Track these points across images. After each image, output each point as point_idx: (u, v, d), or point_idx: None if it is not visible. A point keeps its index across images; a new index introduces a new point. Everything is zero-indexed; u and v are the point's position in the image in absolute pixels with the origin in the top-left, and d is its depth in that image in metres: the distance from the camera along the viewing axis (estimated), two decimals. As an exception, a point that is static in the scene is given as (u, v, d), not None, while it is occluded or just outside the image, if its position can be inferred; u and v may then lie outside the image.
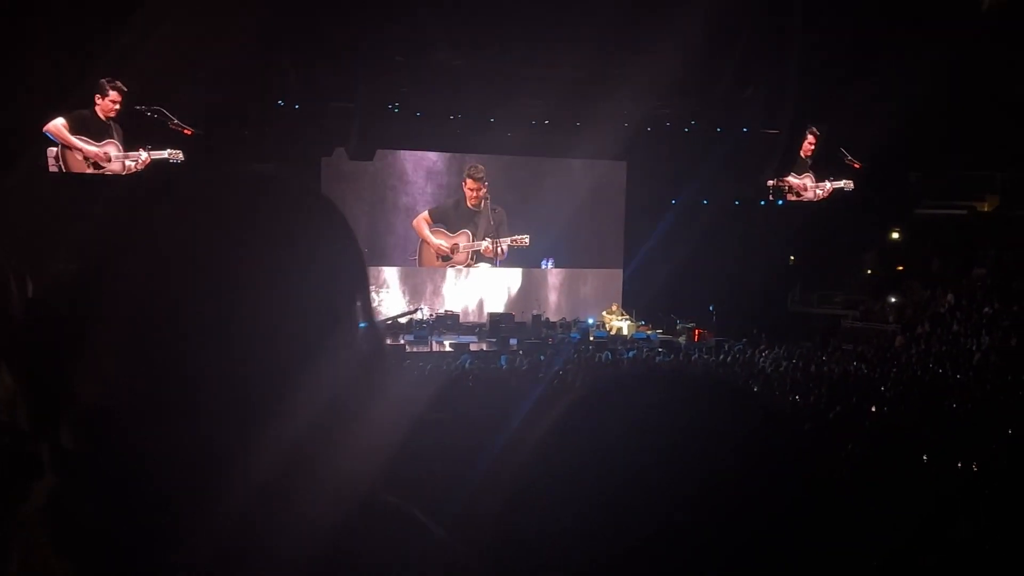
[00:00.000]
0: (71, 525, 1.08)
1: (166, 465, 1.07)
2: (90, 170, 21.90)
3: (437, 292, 27.89)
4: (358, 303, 1.20)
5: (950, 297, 27.36)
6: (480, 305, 27.92)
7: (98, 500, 1.07)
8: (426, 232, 27.68)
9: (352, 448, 1.14)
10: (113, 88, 21.76)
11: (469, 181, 27.76)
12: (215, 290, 1.09)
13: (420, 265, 27.77)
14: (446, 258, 27.93)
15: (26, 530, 1.08)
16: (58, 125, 21.67)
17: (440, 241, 27.78)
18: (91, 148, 21.84)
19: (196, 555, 1.05)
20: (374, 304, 1.23)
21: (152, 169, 21.95)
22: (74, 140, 21.75)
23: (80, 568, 1.06)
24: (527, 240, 28.21)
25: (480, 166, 27.82)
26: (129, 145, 22.18)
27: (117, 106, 21.84)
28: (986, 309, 25.97)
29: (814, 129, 29.25)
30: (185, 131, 21.94)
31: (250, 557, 1.07)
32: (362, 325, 1.19)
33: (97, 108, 21.89)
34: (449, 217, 27.94)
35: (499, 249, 27.98)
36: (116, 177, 21.94)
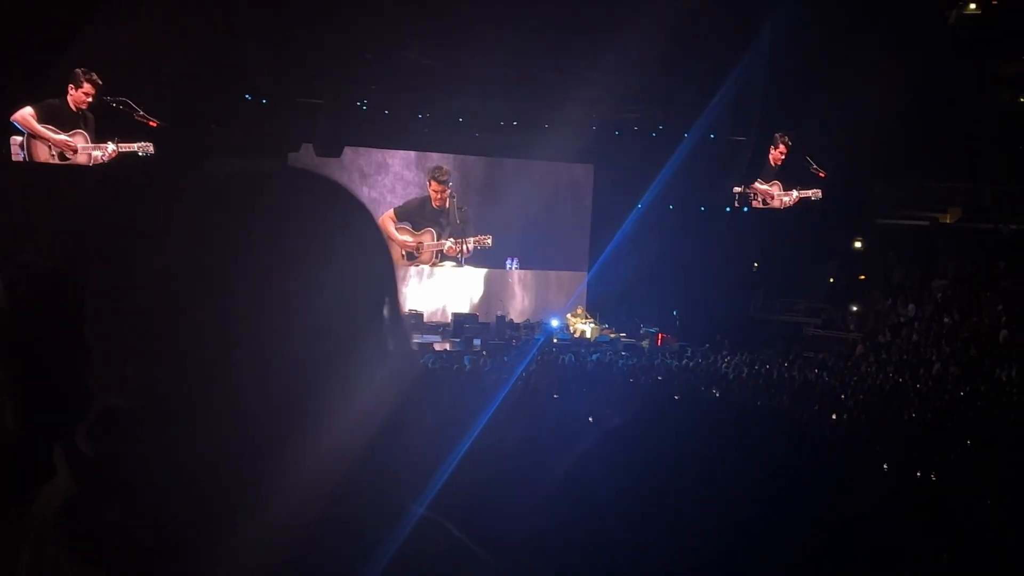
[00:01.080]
0: (89, 530, 1.05)
1: (187, 468, 1.05)
2: (55, 160, 21.68)
3: (401, 291, 27.76)
4: (385, 301, 1.18)
5: (911, 307, 27.60)
6: (444, 305, 27.86)
7: (116, 504, 1.05)
8: (391, 229, 27.59)
9: (386, 458, 1.13)
10: (88, 80, 21.56)
11: (433, 183, 27.69)
12: (243, 291, 1.07)
13: (384, 262, 27.59)
14: (410, 256, 27.86)
15: (39, 533, 1.05)
16: (25, 114, 21.44)
17: (405, 238, 27.71)
18: (58, 136, 21.62)
19: (219, 561, 1.03)
20: (402, 304, 1.22)
21: (120, 162, 21.80)
22: (41, 128, 21.54)
23: (97, 572, 1.04)
24: (490, 241, 28.18)
25: (444, 167, 27.74)
26: (97, 137, 21.98)
27: (90, 98, 21.64)
28: (946, 319, 26.23)
29: (785, 138, 29.41)
30: (150, 123, 21.76)
31: (274, 565, 1.04)
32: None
33: (69, 98, 21.68)
34: (414, 216, 27.86)
35: (464, 248, 27.93)
36: (85, 168, 21.75)
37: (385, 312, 1.17)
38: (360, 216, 1.18)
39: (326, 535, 1.05)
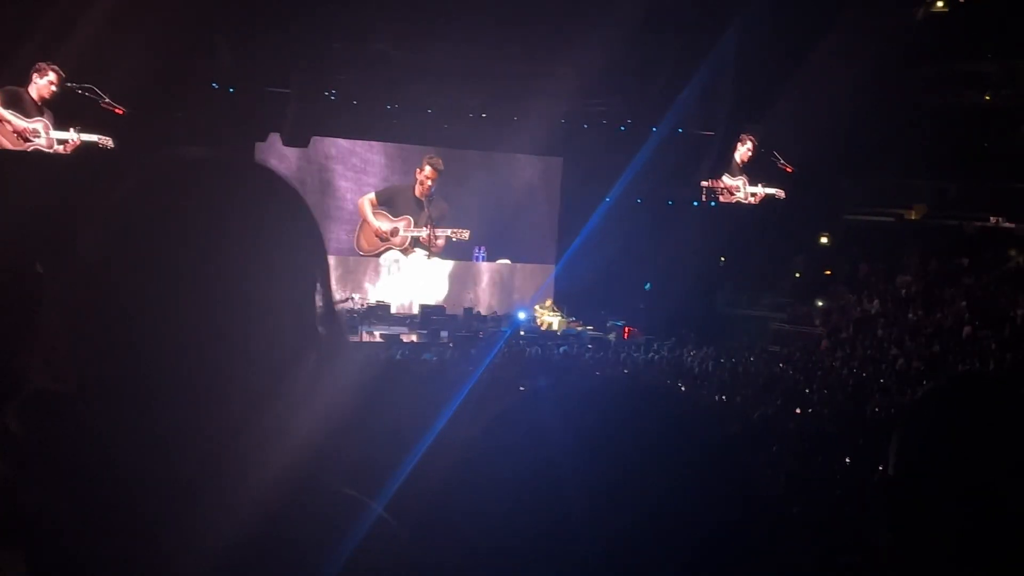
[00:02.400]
0: (11, 511, 1.04)
1: (118, 449, 1.05)
2: (19, 144, 21.59)
3: (369, 281, 27.77)
4: (318, 288, 1.18)
5: (875, 303, 27.81)
6: (411, 296, 27.82)
7: (40, 485, 1.04)
8: (368, 213, 27.64)
9: (300, 431, 1.13)
10: (52, 71, 21.48)
11: (428, 169, 27.72)
12: (172, 275, 1.07)
13: (357, 245, 27.69)
14: (383, 239, 27.90)
15: None
16: (-10, 99, 21.41)
17: (381, 223, 27.76)
18: (20, 122, 21.53)
19: (146, 538, 1.03)
20: (334, 289, 1.22)
21: (80, 152, 21.70)
22: (4, 113, 21.44)
23: (24, 554, 1.03)
24: (467, 234, 28.29)
25: (439, 159, 27.91)
26: (59, 125, 21.88)
27: (53, 88, 21.55)
28: (910, 316, 26.44)
29: (752, 136, 29.55)
30: (116, 110, 21.63)
31: (194, 537, 1.04)
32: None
33: (31, 87, 21.58)
34: (394, 201, 27.92)
35: (435, 238, 28.00)
36: (45, 155, 21.63)
37: (318, 300, 1.17)
38: (292, 204, 1.18)
39: (236, 506, 1.06)
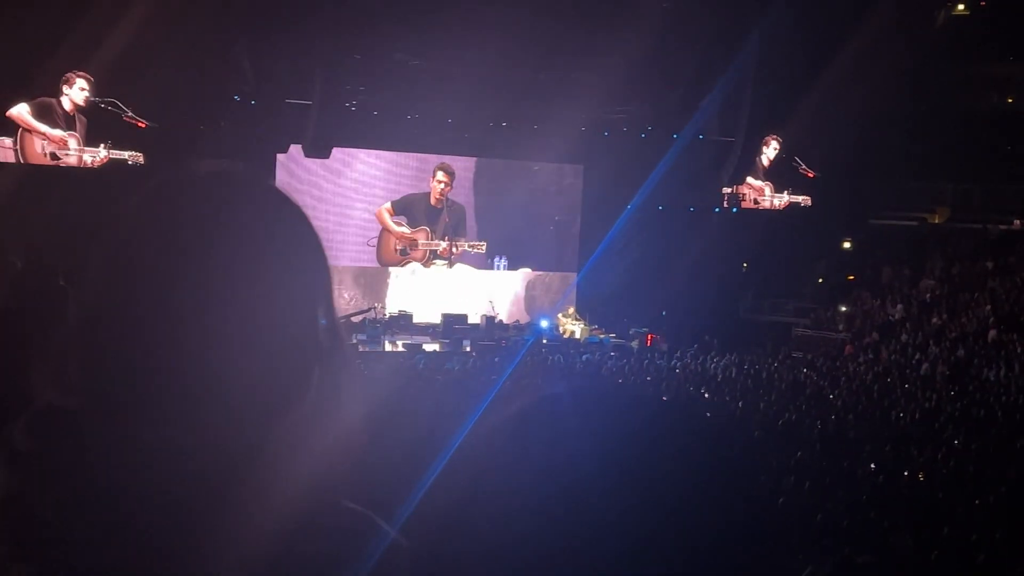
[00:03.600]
0: (24, 526, 1.05)
1: (126, 465, 1.05)
2: (48, 160, 21.73)
3: (391, 291, 27.82)
4: (321, 304, 1.19)
5: (899, 307, 27.66)
6: (434, 305, 27.84)
7: (52, 500, 1.05)
8: (388, 221, 27.75)
9: (313, 449, 1.14)
10: (80, 77, 21.61)
11: (440, 174, 27.87)
12: (177, 292, 1.08)
13: (378, 256, 27.77)
14: (403, 252, 27.98)
15: None
16: (21, 111, 21.54)
17: (403, 230, 27.92)
18: (54, 132, 21.69)
19: (156, 555, 1.04)
20: (336, 303, 1.23)
21: (110, 168, 21.82)
22: (36, 124, 21.62)
23: (36, 568, 1.04)
24: (484, 247, 28.40)
25: (449, 164, 28.06)
26: (90, 140, 22.01)
27: (85, 92, 21.64)
28: (934, 320, 26.29)
29: (775, 139, 29.44)
30: (139, 124, 21.76)
31: (204, 555, 1.05)
32: (323, 323, 1.19)
33: (62, 98, 21.73)
34: (410, 211, 28.04)
35: (455, 250, 28.10)
36: (75, 170, 21.79)
37: (321, 316, 1.18)
38: (294, 219, 1.19)
39: (247, 525, 1.07)
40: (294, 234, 1.18)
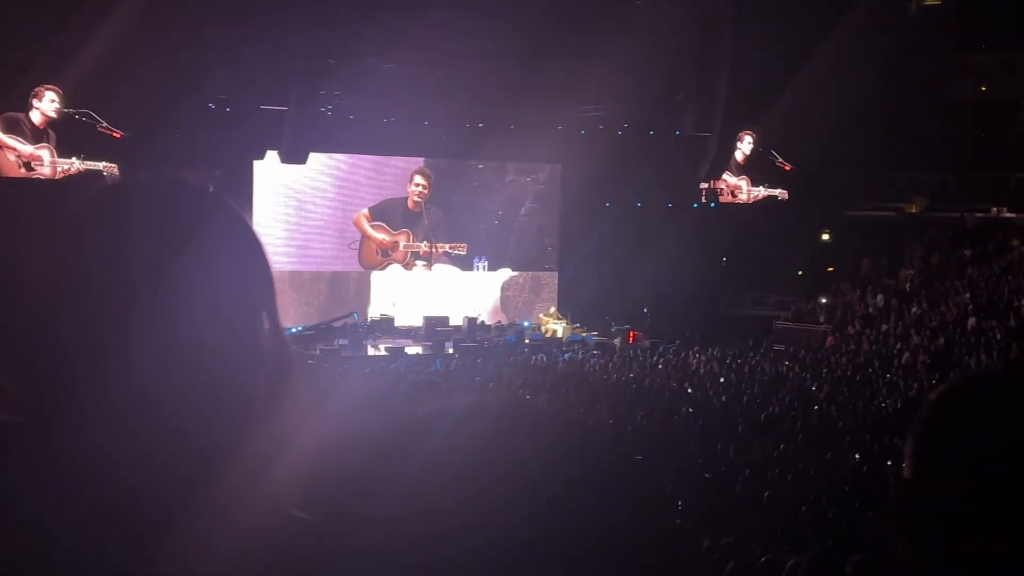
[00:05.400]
0: None
1: (63, 478, 1.04)
2: (22, 172, 21.56)
3: (372, 295, 27.77)
4: (263, 310, 1.18)
5: (879, 298, 27.77)
6: (415, 308, 27.79)
7: (4, 520, 1.04)
8: (366, 227, 27.70)
9: (256, 458, 1.13)
10: (51, 90, 21.42)
11: (418, 177, 27.88)
12: (113, 302, 1.07)
13: (360, 260, 27.75)
14: (385, 254, 27.96)
15: None
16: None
17: (381, 236, 27.85)
18: (25, 148, 21.51)
19: (96, 569, 1.03)
20: (280, 310, 1.22)
21: (81, 179, 21.65)
22: (6, 139, 21.43)
23: None
24: (464, 249, 28.41)
25: (428, 169, 28.08)
26: (61, 152, 21.83)
27: (55, 104, 21.45)
28: (914, 310, 26.40)
29: (752, 133, 29.48)
30: (114, 134, 21.61)
31: (149, 568, 1.04)
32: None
33: (31, 113, 21.55)
34: (389, 216, 28.02)
35: (435, 252, 28.12)
36: (49, 181, 21.63)
37: (264, 321, 1.17)
38: (231, 225, 1.18)
39: (190, 537, 1.05)
40: (233, 239, 1.17)
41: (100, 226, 1.12)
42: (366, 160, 27.89)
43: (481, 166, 29.06)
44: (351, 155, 27.60)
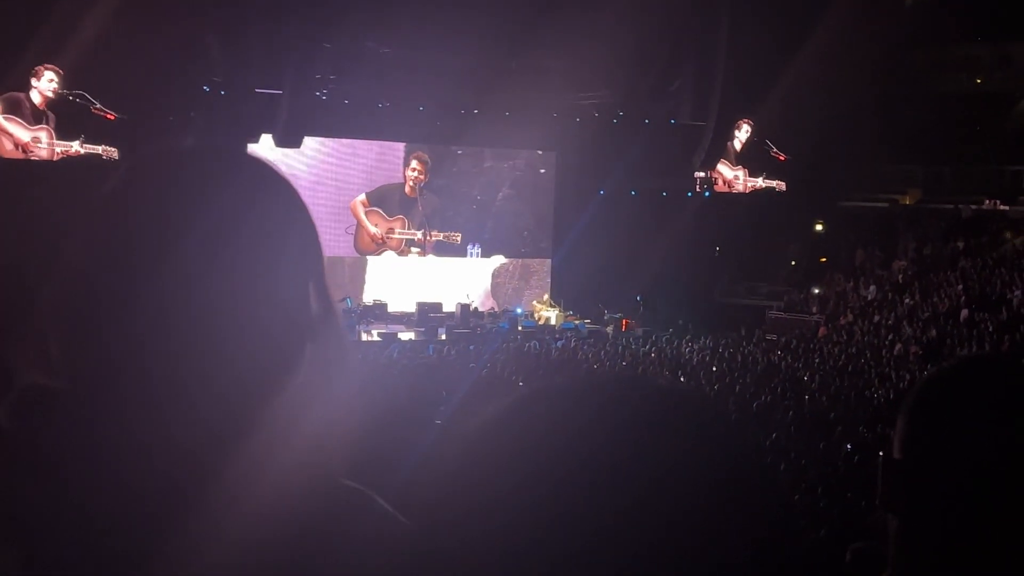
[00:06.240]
0: (12, 511, 1.03)
1: (112, 446, 1.03)
2: (20, 154, 21.47)
3: (365, 281, 27.75)
4: (313, 277, 1.17)
5: (872, 289, 27.81)
6: (409, 294, 27.77)
7: (35, 482, 1.03)
8: (361, 214, 27.67)
9: (311, 432, 1.12)
10: (50, 70, 21.32)
11: (415, 162, 27.84)
12: (165, 272, 1.05)
13: (355, 246, 27.72)
14: (379, 242, 27.95)
15: None
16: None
17: (376, 224, 27.82)
18: (22, 134, 21.41)
19: (144, 538, 1.02)
20: (328, 286, 1.20)
21: (84, 162, 21.57)
22: (5, 124, 21.34)
23: (24, 555, 1.03)
24: (459, 238, 28.42)
25: (424, 154, 28.01)
26: (60, 135, 21.74)
27: (54, 84, 21.32)
28: (907, 301, 26.44)
29: (749, 121, 29.43)
30: (108, 116, 21.54)
31: (195, 537, 1.03)
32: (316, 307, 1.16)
33: (32, 92, 21.45)
34: (386, 201, 27.99)
35: (430, 239, 28.11)
36: (50, 163, 21.55)
37: (312, 298, 1.15)
38: (285, 197, 1.15)
39: (247, 510, 1.04)
40: (284, 208, 1.15)
41: (145, 193, 1.10)
42: (361, 145, 27.83)
43: (461, 152, 28.96)
44: (346, 139, 27.54)
